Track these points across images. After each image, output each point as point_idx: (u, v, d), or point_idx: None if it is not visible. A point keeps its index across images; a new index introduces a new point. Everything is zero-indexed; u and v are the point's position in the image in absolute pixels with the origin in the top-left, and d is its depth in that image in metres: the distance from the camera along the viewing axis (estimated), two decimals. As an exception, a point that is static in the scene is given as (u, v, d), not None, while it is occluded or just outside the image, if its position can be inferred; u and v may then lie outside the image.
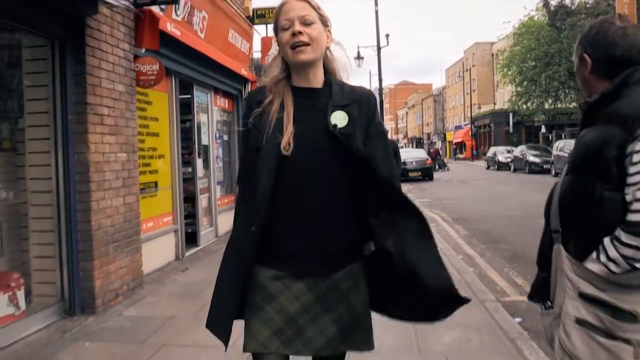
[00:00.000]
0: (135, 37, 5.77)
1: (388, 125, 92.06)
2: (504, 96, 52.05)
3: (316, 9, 1.92)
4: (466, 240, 9.09)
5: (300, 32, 1.84)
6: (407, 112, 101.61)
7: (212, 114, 9.03)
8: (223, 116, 9.91)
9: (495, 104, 58.47)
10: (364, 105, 1.92)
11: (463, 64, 66.87)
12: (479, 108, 59.78)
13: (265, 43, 11.28)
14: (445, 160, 46.96)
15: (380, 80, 23.36)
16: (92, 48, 4.97)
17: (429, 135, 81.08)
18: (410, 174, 24.35)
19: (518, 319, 4.71)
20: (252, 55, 11.03)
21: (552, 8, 29.13)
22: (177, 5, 6.49)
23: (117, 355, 3.96)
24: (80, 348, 4.14)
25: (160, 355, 3.91)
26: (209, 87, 8.79)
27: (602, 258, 1.73)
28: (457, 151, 65.43)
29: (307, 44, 1.85)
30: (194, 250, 7.91)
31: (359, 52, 26.31)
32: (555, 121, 44.50)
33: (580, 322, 1.75)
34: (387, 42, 26.90)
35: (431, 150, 44.34)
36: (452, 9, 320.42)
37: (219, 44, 8.62)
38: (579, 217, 1.83)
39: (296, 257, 1.86)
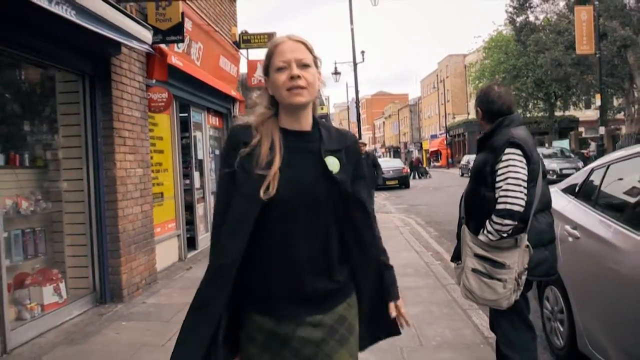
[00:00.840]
0: (147, 70, 6.80)
1: (366, 135, 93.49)
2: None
3: (311, 50, 1.88)
4: (436, 239, 10.23)
5: (299, 77, 1.80)
6: (384, 122, 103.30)
7: (205, 131, 10.07)
8: (215, 133, 10.94)
9: (469, 113, 60.11)
10: (351, 150, 1.93)
11: (437, 75, 68.69)
12: (454, 118, 61.48)
13: (251, 66, 12.34)
14: (426, 168, 48.43)
15: (357, 93, 24.54)
16: (116, 82, 6.01)
17: (405, 144, 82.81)
18: (388, 183, 25.46)
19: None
20: (239, 77, 12.08)
21: (518, 24, 30.62)
22: (180, 41, 7.52)
23: (151, 330, 4.97)
24: (119, 326, 5.14)
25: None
26: (203, 107, 9.84)
27: (485, 232, 2.85)
28: (432, 159, 66.99)
29: (304, 88, 1.81)
30: (193, 252, 8.92)
31: (335, 68, 27.50)
32: (529, 129, 45.88)
33: (474, 270, 2.88)
34: (363, 59, 28.17)
35: (413, 159, 45.73)
36: (429, 21, 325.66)
37: (211, 69, 9.67)
38: (474, 208, 2.96)
39: (294, 301, 1.81)
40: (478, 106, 3.22)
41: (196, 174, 9.42)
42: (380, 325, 2.00)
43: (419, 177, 40.45)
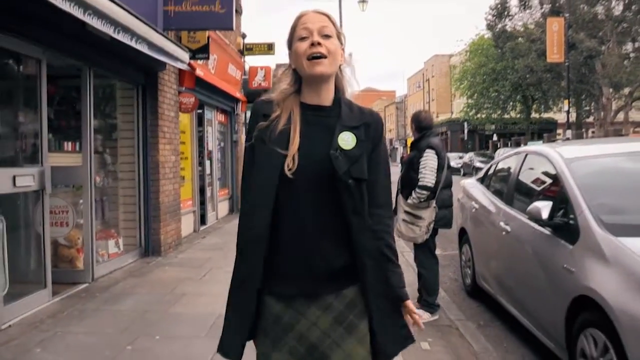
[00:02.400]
0: (179, 80, 8.76)
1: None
2: (460, 106, 55.96)
3: (334, 24, 1.87)
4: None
5: (319, 43, 1.80)
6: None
7: (214, 126, 12.06)
8: (221, 128, 12.93)
9: (452, 113, 62.31)
10: (372, 128, 1.88)
11: (423, 74, 70.84)
12: (437, 116, 63.63)
13: (252, 71, 14.32)
14: None
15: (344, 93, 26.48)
16: (160, 90, 7.98)
17: (391, 140, 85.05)
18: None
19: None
20: (242, 80, 14.06)
21: (496, 31, 32.79)
22: (203, 55, 9.50)
23: (187, 271, 6.97)
24: (163, 269, 7.15)
25: (212, 272, 6.91)
26: (214, 106, 11.82)
27: (411, 198, 4.90)
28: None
29: (325, 57, 1.80)
30: (204, 227, 10.91)
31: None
32: (506, 130, 48.04)
33: (404, 220, 4.93)
34: (350, 60, 30.04)
35: (403, 156, 47.99)
36: (421, 18, 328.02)
37: (222, 75, 11.63)
38: (405, 184, 5.00)
39: (303, 279, 1.81)
40: (412, 123, 5.24)
41: (207, 162, 11.41)
42: (394, 335, 1.88)
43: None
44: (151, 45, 6.33)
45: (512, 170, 5.37)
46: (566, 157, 4.37)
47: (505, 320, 5.12)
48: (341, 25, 20.56)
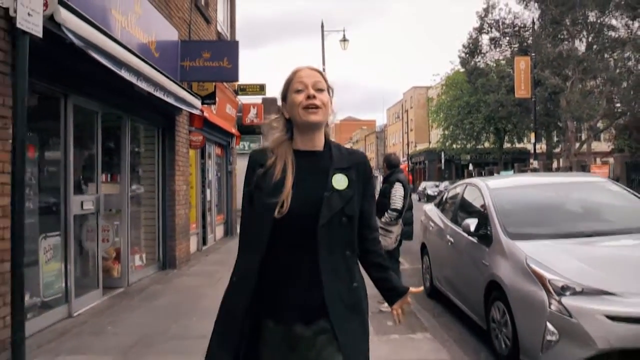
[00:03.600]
0: (189, 121, 10.40)
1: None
2: (437, 136, 58.21)
3: (325, 80, 2.10)
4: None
5: (314, 96, 2.01)
6: (351, 147, 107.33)
7: (213, 159, 13.70)
8: (218, 160, 14.57)
9: (430, 142, 64.59)
10: (360, 168, 2.11)
11: (402, 105, 73.38)
12: (415, 146, 66.01)
13: (246, 108, 16.05)
14: None
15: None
16: (177, 131, 9.61)
17: (371, 169, 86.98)
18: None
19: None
20: (236, 117, 15.76)
21: (468, 68, 35.02)
22: (208, 100, 11.18)
23: (202, 280, 8.51)
24: (182, 278, 8.69)
25: (222, 280, 8.45)
26: (213, 142, 13.47)
27: (384, 217, 6.56)
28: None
29: (319, 107, 2.02)
30: (205, 247, 12.47)
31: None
32: (482, 159, 50.02)
33: (380, 229, 6.57)
34: (332, 94, 31.94)
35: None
36: (402, 48, 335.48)
37: (221, 114, 13.30)
38: (380, 208, 6.67)
39: (302, 308, 1.99)
40: (384, 162, 6.91)
41: (208, 191, 13.01)
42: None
43: None
44: (176, 97, 8.01)
45: (456, 197, 7.09)
46: (491, 187, 6.10)
47: (452, 313, 6.74)
48: (324, 60, 22.49)
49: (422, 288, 2.33)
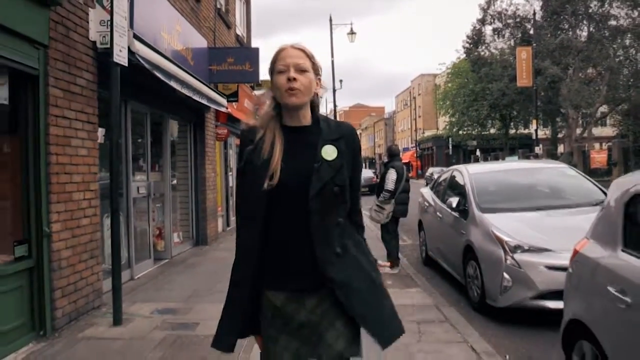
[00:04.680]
0: (215, 116, 11.84)
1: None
2: (445, 123, 59.31)
3: (310, 57, 2.12)
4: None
5: (294, 79, 2.03)
6: (360, 134, 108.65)
7: (234, 149, 15.16)
8: (237, 150, 16.01)
9: (437, 129, 65.65)
10: (349, 140, 2.14)
11: (410, 92, 74.37)
12: (424, 133, 67.17)
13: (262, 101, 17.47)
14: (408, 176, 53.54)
15: (335, 117, 29.69)
16: (206, 126, 11.06)
17: (380, 155, 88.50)
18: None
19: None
20: (254, 109, 17.18)
21: (472, 57, 36.18)
22: (231, 97, 12.61)
23: (232, 253, 9.97)
24: (214, 252, 10.17)
25: (247, 253, 9.96)
26: (234, 133, 14.91)
27: (379, 197, 8.00)
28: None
29: (300, 90, 2.04)
30: (229, 227, 13.97)
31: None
32: (489, 145, 51.10)
33: (375, 210, 8.02)
34: (341, 86, 33.36)
35: None
36: (412, 34, 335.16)
37: (240, 108, 14.72)
38: (379, 188, 8.11)
39: (304, 276, 2.06)
40: (387, 152, 8.33)
41: (230, 177, 14.49)
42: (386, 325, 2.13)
43: None
44: (208, 99, 9.45)
45: (445, 180, 8.51)
46: (471, 172, 7.51)
47: (442, 276, 8.15)
48: (332, 49, 23.82)
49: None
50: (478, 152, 52.18)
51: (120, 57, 5.31)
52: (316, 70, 2.14)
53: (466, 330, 5.28)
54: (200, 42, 10.29)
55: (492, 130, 45.44)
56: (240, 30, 15.32)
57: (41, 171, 4.92)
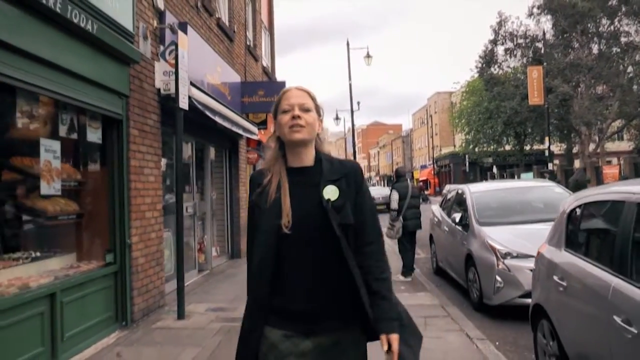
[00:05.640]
0: (247, 143, 13.17)
1: (361, 163, 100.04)
2: (461, 140, 60.22)
3: (313, 99, 2.22)
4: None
5: (299, 117, 2.13)
6: (378, 152, 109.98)
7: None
8: (264, 171, 17.37)
9: (454, 146, 66.57)
10: (351, 177, 2.18)
11: (427, 110, 75.59)
12: (441, 150, 68.16)
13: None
14: (427, 195, 54.44)
15: (353, 139, 31.00)
16: (238, 151, 12.40)
17: (363, 178, 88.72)
18: (378, 207, 31.81)
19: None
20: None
21: (485, 76, 37.31)
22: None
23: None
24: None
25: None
26: (262, 156, 16.26)
27: (390, 215, 9.23)
28: (423, 188, 73.41)
29: (303, 127, 2.13)
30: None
31: (337, 114, 34.00)
32: (505, 161, 51.83)
33: (387, 227, 9.24)
34: (359, 107, 34.67)
35: (416, 187, 52.04)
36: (430, 51, 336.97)
37: (268, 134, 16.08)
38: (388, 208, 9.35)
39: (303, 318, 2.11)
40: (394, 173, 9.57)
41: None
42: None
43: (422, 202, 46.60)
44: (243, 128, 10.80)
45: (451, 198, 9.71)
46: (472, 191, 8.71)
47: (450, 284, 9.31)
48: (350, 76, 25.18)
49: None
50: (495, 169, 52.95)
51: (183, 102, 6.65)
52: (318, 111, 2.24)
53: (464, 323, 6.46)
54: (234, 77, 11.66)
55: (507, 147, 46.29)
56: (265, 61, 16.73)
57: (124, 195, 6.25)
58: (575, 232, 4.34)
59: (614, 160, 50.65)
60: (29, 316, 4.63)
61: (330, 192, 2.11)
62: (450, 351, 5.37)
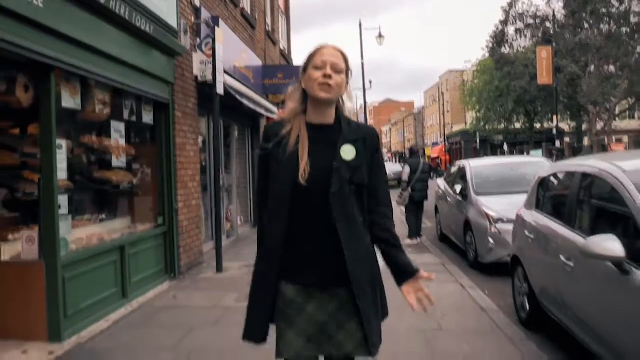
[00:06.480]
0: (266, 121, 14.23)
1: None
2: (472, 118, 60.82)
3: (346, 61, 2.24)
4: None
5: (330, 76, 2.14)
6: (390, 129, 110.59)
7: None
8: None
9: (466, 124, 67.18)
10: (368, 141, 2.23)
11: (439, 87, 76.03)
12: (452, 128, 68.84)
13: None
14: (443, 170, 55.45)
15: (366, 116, 31.93)
16: (259, 130, 13.48)
17: (379, 142, 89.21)
18: (390, 182, 32.87)
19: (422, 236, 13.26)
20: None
21: (496, 56, 37.96)
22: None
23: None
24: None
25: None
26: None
27: (400, 186, 10.34)
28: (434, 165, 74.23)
29: (332, 87, 2.15)
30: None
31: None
32: (515, 139, 52.51)
33: (398, 195, 10.35)
34: (370, 86, 35.49)
35: (431, 163, 53.40)
36: (444, 29, 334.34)
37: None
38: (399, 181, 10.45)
39: (318, 272, 2.17)
40: (409, 150, 10.64)
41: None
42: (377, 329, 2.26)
43: (437, 177, 47.39)
44: (265, 109, 11.89)
45: (454, 172, 10.78)
46: (472, 165, 9.77)
47: (452, 248, 10.42)
48: (362, 53, 26.22)
49: (434, 276, 2.35)
50: (505, 147, 53.65)
51: (219, 89, 7.74)
52: (347, 73, 2.24)
53: (460, 276, 7.58)
54: (256, 61, 12.71)
55: (518, 125, 46.95)
56: (282, 44, 17.73)
57: (171, 167, 7.39)
58: (543, 196, 5.42)
59: (625, 138, 51.35)
60: (107, 263, 5.81)
61: (348, 152, 2.17)
62: (446, 296, 6.48)
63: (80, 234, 5.60)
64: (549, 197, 5.33)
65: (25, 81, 5.34)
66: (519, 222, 5.78)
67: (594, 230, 3.94)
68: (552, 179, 5.39)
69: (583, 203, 4.39)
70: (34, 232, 4.93)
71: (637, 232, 3.35)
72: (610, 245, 3.33)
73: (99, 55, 5.48)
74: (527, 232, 5.32)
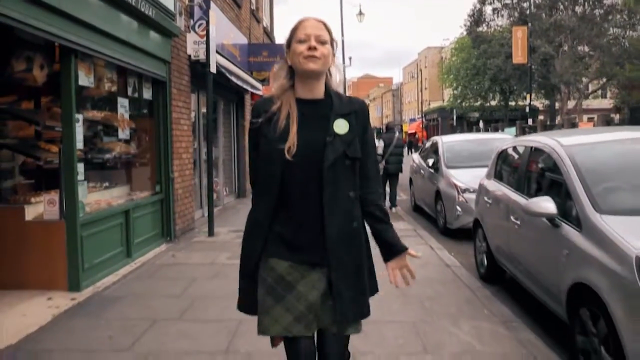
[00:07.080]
0: (251, 97, 14.88)
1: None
2: (449, 95, 61.77)
3: (329, 31, 2.20)
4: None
5: (315, 48, 2.11)
6: (368, 105, 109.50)
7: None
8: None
9: (443, 100, 68.14)
10: (360, 115, 2.22)
11: (417, 64, 76.71)
12: (429, 104, 69.80)
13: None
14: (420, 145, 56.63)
15: (345, 90, 32.56)
16: (244, 105, 14.12)
17: (369, 116, 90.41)
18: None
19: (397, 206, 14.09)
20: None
21: (473, 34, 38.77)
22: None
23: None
24: (253, 202, 13.34)
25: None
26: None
27: (380, 159, 11.15)
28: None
29: (319, 58, 2.12)
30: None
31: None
32: (491, 116, 53.60)
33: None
34: (350, 63, 35.93)
35: (410, 138, 54.55)
36: (423, 6, 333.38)
37: (268, 90, 17.75)
38: (377, 153, 11.29)
39: (308, 248, 2.15)
40: (385, 125, 11.40)
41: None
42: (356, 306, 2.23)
43: (414, 152, 48.83)
44: (251, 85, 12.53)
45: (427, 147, 11.59)
46: (444, 141, 10.59)
47: (424, 217, 11.25)
48: (342, 30, 26.87)
49: (421, 254, 2.44)
50: (481, 124, 54.72)
51: (212, 67, 8.38)
52: (332, 44, 2.21)
53: (430, 239, 8.42)
54: (242, 39, 13.29)
55: (493, 102, 48.01)
56: (266, 21, 18.26)
57: (167, 139, 8.05)
58: (500, 167, 6.23)
59: (596, 117, 52.66)
60: (114, 225, 6.50)
61: (340, 126, 2.16)
62: (415, 256, 7.30)
63: (90, 198, 6.27)
64: (504, 167, 6.14)
65: (41, 61, 5.98)
66: (481, 190, 6.59)
67: (536, 194, 4.76)
68: (508, 151, 6.20)
69: (530, 172, 5.20)
70: (54, 196, 5.60)
71: (568, 194, 4.15)
72: (546, 204, 4.13)
73: (110, 38, 6.10)
74: (486, 198, 6.14)
